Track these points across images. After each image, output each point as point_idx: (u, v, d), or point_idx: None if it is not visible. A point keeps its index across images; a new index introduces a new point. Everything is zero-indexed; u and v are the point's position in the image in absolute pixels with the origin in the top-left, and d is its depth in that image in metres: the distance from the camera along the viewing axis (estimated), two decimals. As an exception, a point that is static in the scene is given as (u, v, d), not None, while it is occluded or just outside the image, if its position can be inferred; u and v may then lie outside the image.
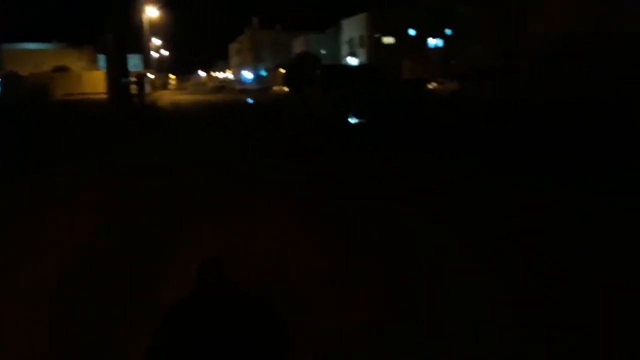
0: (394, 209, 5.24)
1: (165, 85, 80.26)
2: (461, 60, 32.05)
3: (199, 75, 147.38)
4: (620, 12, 20.73)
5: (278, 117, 18.94)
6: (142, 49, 64.37)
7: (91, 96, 27.73)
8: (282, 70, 52.68)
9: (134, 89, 21.45)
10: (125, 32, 15.28)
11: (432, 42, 51.30)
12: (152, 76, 55.12)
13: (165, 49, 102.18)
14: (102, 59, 76.82)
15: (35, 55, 60.06)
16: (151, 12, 51.62)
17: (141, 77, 22.47)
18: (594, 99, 16.37)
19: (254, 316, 2.61)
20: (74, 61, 62.40)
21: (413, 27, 51.81)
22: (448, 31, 50.74)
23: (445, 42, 49.40)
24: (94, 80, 40.26)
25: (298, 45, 69.33)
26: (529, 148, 8.97)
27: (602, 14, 20.92)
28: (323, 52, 62.77)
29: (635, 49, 19.35)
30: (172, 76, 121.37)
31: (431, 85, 25.68)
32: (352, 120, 16.05)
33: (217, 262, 3.35)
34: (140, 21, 52.55)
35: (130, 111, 15.62)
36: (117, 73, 15.47)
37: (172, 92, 62.66)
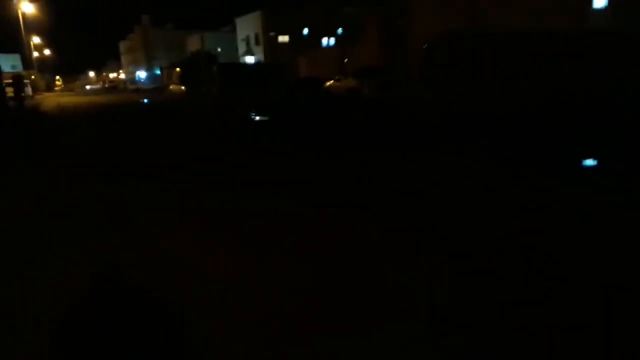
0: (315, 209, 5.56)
1: (50, 87, 74.64)
2: (353, 59, 33.32)
3: (88, 75, 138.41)
4: (489, 13, 22.81)
5: (176, 116, 18.51)
6: (21, 48, 59.29)
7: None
8: (178, 69, 51.26)
9: (9, 92, 19.85)
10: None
11: (325, 41, 52.76)
12: (32, 77, 50.95)
13: (49, 48, 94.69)
14: (-28, 60, 69.49)
15: None
16: (27, 8, 47.53)
17: (18, 79, 20.81)
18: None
19: (145, 322, 2.86)
20: (-62, 62, 55.91)
21: (306, 26, 52.85)
22: (339, 31, 52.45)
23: (337, 42, 51.01)
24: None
25: (193, 44, 67.71)
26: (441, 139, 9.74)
27: (476, 14, 22.93)
28: (219, 50, 61.90)
29: (505, 47, 21.38)
30: (58, 77, 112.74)
31: (329, 83, 26.46)
32: (255, 118, 15.99)
33: (112, 270, 3.59)
34: (16, 17, 48.36)
35: (3, 117, 14.47)
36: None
37: (57, 94, 58.41)
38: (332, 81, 26.61)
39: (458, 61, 22.69)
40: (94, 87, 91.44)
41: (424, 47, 24.31)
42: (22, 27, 50.08)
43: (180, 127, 14.20)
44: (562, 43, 21.45)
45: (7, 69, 69.60)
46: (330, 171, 6.99)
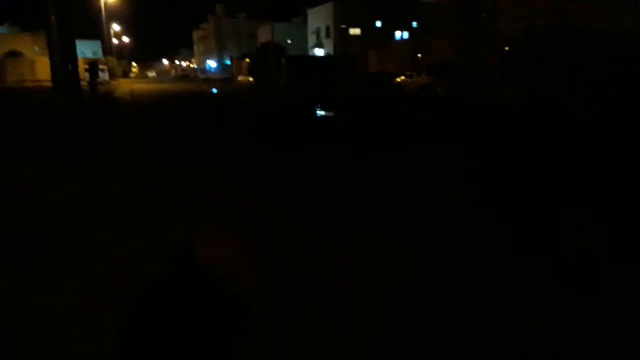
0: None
1: (126, 73, 77.55)
2: (427, 54, 31.66)
3: (162, 63, 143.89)
4: (587, 7, 20.72)
5: (238, 108, 18.07)
6: (101, 34, 61.91)
7: (45, 83, 26.12)
8: (247, 60, 51.50)
9: (85, 77, 20.12)
10: (69, 14, 14.05)
11: (398, 34, 51.09)
12: (110, 63, 52.83)
13: (128, 35, 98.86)
14: (58, 45, 73.67)
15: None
16: (109, -3, 49.27)
17: (94, 65, 21.09)
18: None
19: (218, 301, 2.93)
20: (28, 46, 59.43)
21: (379, 19, 51.39)
22: (414, 24, 50.67)
23: (411, 35, 49.25)
24: (48, 67, 38.10)
25: (263, 35, 68.00)
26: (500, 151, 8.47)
27: (569, 9, 20.86)
28: (289, 42, 61.71)
29: (603, 44, 19.36)
30: (134, 64, 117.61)
31: (400, 79, 25.14)
32: (320, 112, 15.32)
33: (189, 248, 3.67)
34: (98, 6, 50.30)
35: (75, 102, 14.40)
36: (62, 60, 14.24)
37: (133, 81, 60.42)
38: (403, 77, 25.23)
39: (542, 59, 20.80)
40: (167, 75, 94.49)
41: (507, 44, 22.58)
42: (103, 15, 52.14)
43: (239, 120, 13.61)
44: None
45: (88, 54, 73.29)
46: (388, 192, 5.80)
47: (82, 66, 21.91)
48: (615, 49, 19.37)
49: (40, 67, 43.09)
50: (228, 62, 77.11)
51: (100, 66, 43.80)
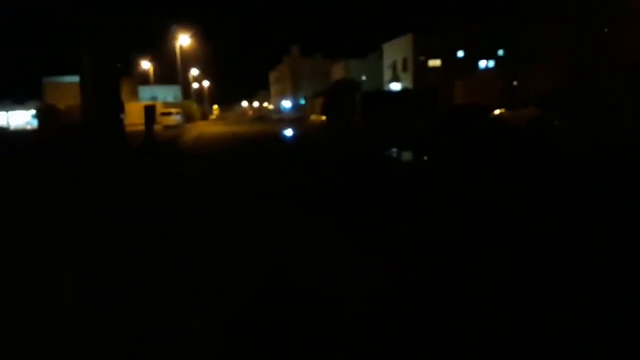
0: None
1: (205, 115, 78.88)
2: (524, 82, 27.54)
3: (241, 105, 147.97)
4: None
5: (305, 151, 15.45)
6: (180, 80, 63.07)
7: (130, 128, 24.67)
8: (320, 99, 49.72)
9: (130, 124, 18.30)
10: (107, 55, 11.99)
11: (483, 63, 47.04)
12: (185, 106, 53.00)
13: (209, 79, 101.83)
14: (143, 91, 76.53)
15: (74, 88, 59.41)
16: (184, 41, 49.61)
17: (150, 110, 19.33)
18: None
19: None
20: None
21: (462, 48, 47.77)
22: (500, 52, 46.42)
23: (497, 63, 45.05)
24: (133, 112, 37.67)
25: (337, 72, 66.46)
26: None
27: None
28: (364, 78, 59.47)
29: None
30: (215, 106, 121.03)
31: (498, 111, 21.34)
32: (396, 156, 12.85)
33: None
34: (174, 51, 50.89)
35: (117, 153, 12.29)
36: (99, 106, 12.15)
37: (210, 123, 60.56)
38: (502, 109, 21.33)
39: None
40: (244, 116, 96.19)
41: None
42: (178, 60, 52.73)
43: (301, 167, 10.86)
44: None
45: (170, 99, 75.45)
46: None
47: (160, 110, 20.45)
48: None
49: (126, 113, 43.29)
50: (302, 101, 76.35)
51: (174, 110, 43.62)
